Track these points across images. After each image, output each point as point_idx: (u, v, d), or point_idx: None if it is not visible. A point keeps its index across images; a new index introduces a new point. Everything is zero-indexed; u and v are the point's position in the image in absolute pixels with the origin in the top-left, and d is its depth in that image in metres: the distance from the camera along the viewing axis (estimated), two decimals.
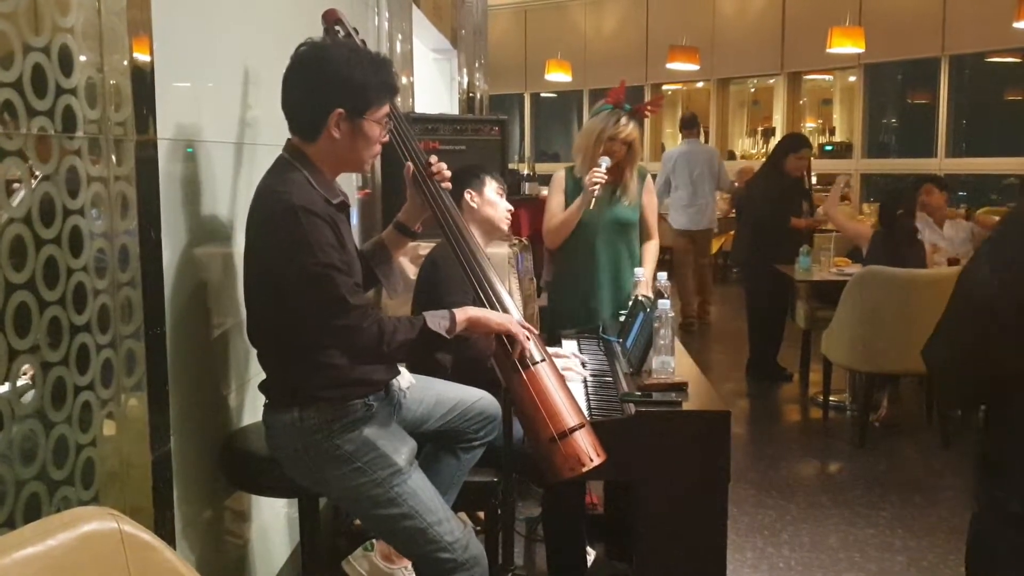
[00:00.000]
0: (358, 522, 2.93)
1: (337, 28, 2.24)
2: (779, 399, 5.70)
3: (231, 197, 2.42)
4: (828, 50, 8.48)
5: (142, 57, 1.89)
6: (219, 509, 2.40)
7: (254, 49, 2.56)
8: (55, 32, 1.65)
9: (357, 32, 2.28)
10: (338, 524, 3.14)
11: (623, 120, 3.30)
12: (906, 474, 4.21)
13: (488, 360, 2.14)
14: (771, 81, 11.06)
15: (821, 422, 5.17)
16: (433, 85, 6.89)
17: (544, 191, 4.94)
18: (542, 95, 13.24)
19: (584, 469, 1.97)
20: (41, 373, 1.61)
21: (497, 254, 3.51)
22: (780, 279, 5.47)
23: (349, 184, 3.65)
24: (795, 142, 5.84)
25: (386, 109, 2.07)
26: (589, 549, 2.99)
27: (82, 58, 1.73)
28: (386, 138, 2.12)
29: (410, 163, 2.23)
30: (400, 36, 4.62)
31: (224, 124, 2.41)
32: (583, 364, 2.70)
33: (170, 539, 1.98)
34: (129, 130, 1.86)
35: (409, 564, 2.65)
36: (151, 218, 1.94)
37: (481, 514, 2.92)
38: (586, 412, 2.21)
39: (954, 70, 8.93)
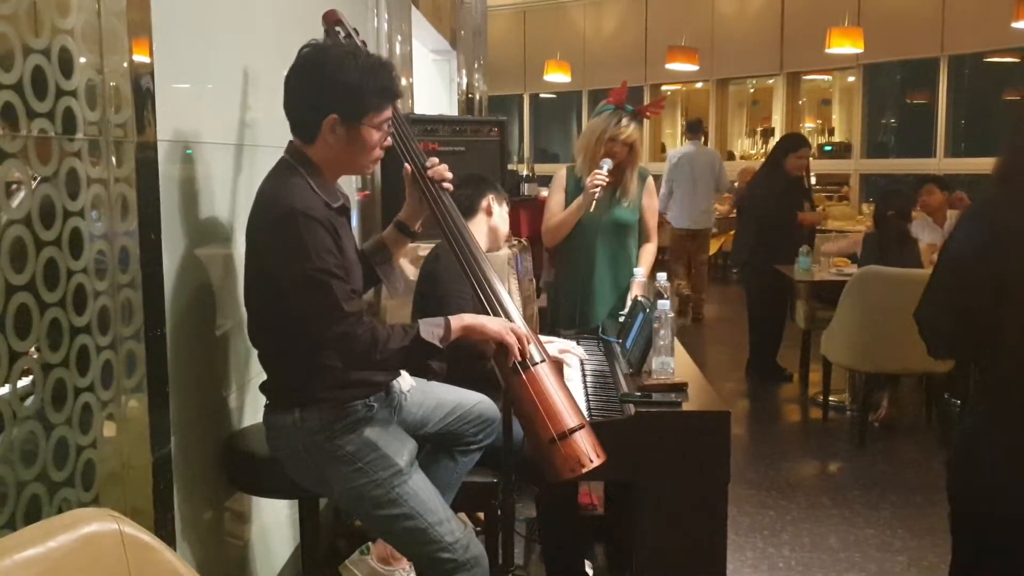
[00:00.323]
0: (358, 523, 2.93)
1: (338, 29, 2.24)
2: (779, 399, 5.70)
3: (231, 198, 2.42)
4: (827, 50, 8.50)
5: (142, 59, 1.89)
6: (219, 510, 2.40)
7: (254, 51, 2.56)
8: (55, 34, 1.65)
9: (357, 33, 2.27)
10: (338, 525, 3.14)
11: (624, 121, 3.30)
12: (906, 474, 4.22)
13: (488, 360, 2.14)
14: (770, 81, 11.08)
15: (821, 422, 5.17)
16: (432, 86, 6.89)
17: (544, 192, 4.94)
18: (541, 96, 13.26)
19: (584, 470, 1.97)
20: (41, 375, 1.61)
21: (496, 255, 3.51)
22: (780, 279, 5.47)
23: (349, 185, 3.65)
24: (795, 142, 5.86)
25: (386, 114, 2.04)
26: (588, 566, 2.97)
27: (82, 60, 1.73)
28: (388, 143, 2.11)
29: (408, 164, 2.22)
30: (399, 37, 4.63)
31: (224, 126, 2.41)
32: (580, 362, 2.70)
33: (170, 540, 1.98)
34: (129, 132, 1.86)
35: (407, 565, 2.66)
36: (151, 220, 1.94)
37: (481, 515, 2.92)
38: (586, 413, 2.21)
39: (953, 70, 8.95)
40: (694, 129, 8.04)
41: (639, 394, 2.31)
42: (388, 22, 4.39)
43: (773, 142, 8.17)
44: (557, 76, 11.66)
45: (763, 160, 6.75)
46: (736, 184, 8.04)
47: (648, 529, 2.28)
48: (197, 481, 2.20)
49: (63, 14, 1.68)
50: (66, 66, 1.68)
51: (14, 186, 1.55)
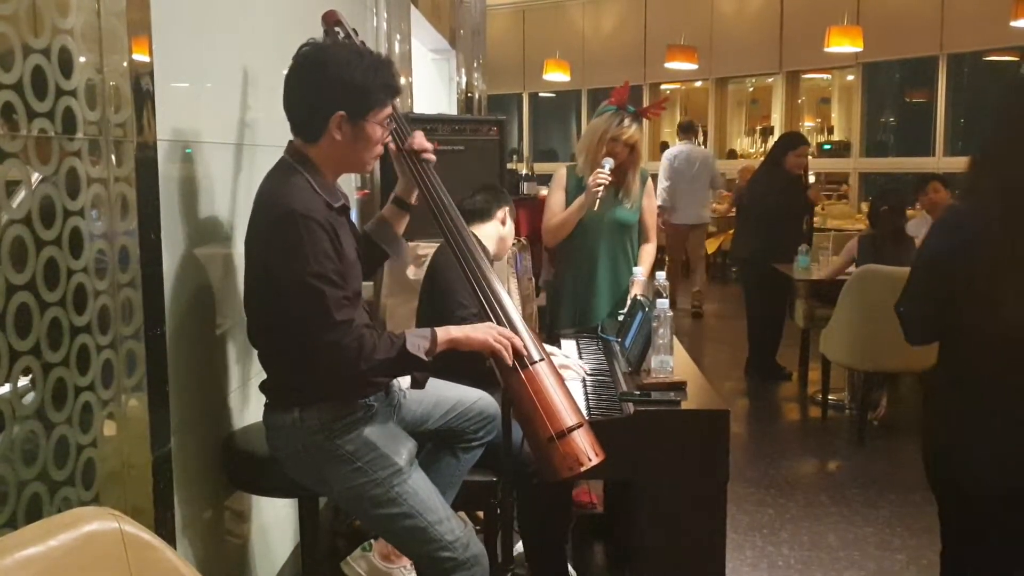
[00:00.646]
0: (358, 522, 2.94)
1: (337, 29, 2.25)
2: (778, 398, 5.71)
3: (230, 198, 2.42)
4: (826, 49, 8.51)
5: (141, 58, 1.89)
6: (219, 509, 2.40)
7: (253, 50, 2.56)
8: (55, 34, 1.65)
9: (357, 33, 2.28)
10: (338, 524, 3.14)
11: (626, 122, 3.31)
12: (905, 472, 4.21)
13: (488, 358, 2.14)
14: (769, 80, 11.08)
15: (820, 421, 5.17)
16: (431, 85, 6.89)
17: (543, 191, 4.95)
18: (540, 95, 13.25)
19: (583, 468, 1.97)
20: (42, 374, 1.62)
21: None
22: (779, 278, 5.48)
23: (348, 184, 3.66)
24: (794, 140, 5.88)
25: (388, 111, 2.07)
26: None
27: (82, 59, 1.73)
28: (388, 139, 2.13)
29: (391, 144, 2.22)
30: (398, 36, 4.63)
31: (223, 125, 2.41)
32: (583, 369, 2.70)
33: (171, 539, 1.99)
34: (129, 131, 1.86)
35: (408, 563, 2.66)
36: (151, 219, 1.94)
37: (480, 513, 2.92)
38: (585, 411, 2.22)
39: (952, 69, 8.95)
40: (687, 130, 8.47)
41: (638, 393, 2.32)
42: (387, 21, 4.39)
43: (772, 141, 8.20)
44: (556, 75, 11.65)
45: (763, 159, 6.76)
46: (736, 182, 8.09)
47: (647, 528, 2.28)
48: (197, 480, 2.21)
49: (63, 14, 1.68)
50: (66, 66, 1.68)
51: (14, 186, 1.55)
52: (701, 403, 2.31)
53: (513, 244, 3.85)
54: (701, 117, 11.74)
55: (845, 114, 11.02)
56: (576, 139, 11.26)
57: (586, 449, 1.98)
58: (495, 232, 2.91)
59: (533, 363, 2.04)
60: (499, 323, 2.09)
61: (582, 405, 2.27)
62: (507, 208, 2.97)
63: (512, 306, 2.15)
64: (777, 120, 10.69)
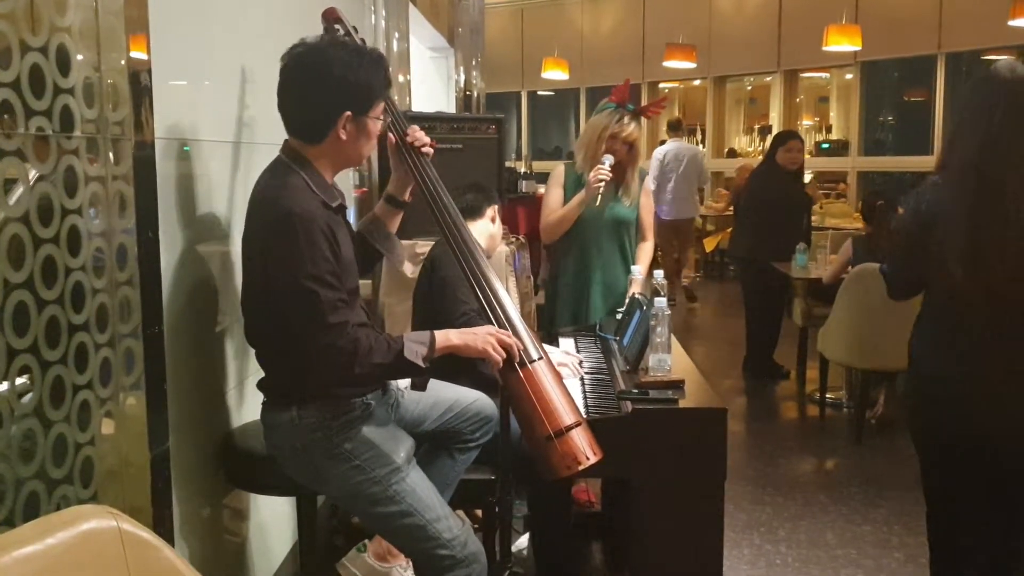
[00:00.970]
0: (356, 520, 2.94)
1: (337, 27, 2.25)
2: (776, 396, 5.71)
3: (228, 196, 2.42)
4: (824, 48, 8.50)
5: (139, 56, 1.89)
6: (218, 507, 2.40)
7: (251, 48, 2.56)
8: (53, 32, 1.65)
9: (356, 31, 2.28)
10: (336, 522, 3.14)
11: (626, 120, 3.31)
12: (903, 470, 4.22)
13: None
14: (768, 79, 11.07)
15: (818, 419, 5.18)
16: (430, 83, 6.88)
17: (541, 189, 4.94)
18: (539, 93, 13.24)
19: (580, 467, 1.97)
20: (40, 372, 1.62)
21: (495, 253, 3.53)
22: (777, 276, 5.48)
23: (347, 184, 3.66)
24: (783, 137, 5.90)
25: (383, 104, 2.09)
26: None
27: (79, 58, 1.73)
28: (383, 131, 2.14)
29: (391, 135, 2.23)
30: (397, 34, 4.63)
31: (221, 123, 2.41)
32: (580, 363, 2.70)
33: (169, 537, 1.99)
34: (126, 129, 1.86)
35: (403, 562, 2.66)
36: (149, 217, 1.94)
37: (479, 512, 2.93)
38: (583, 410, 2.22)
39: (950, 67, 8.95)
40: (675, 128, 9.06)
41: (636, 391, 2.32)
42: (386, 19, 4.39)
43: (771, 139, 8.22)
44: (555, 73, 11.64)
45: (761, 157, 6.79)
46: (734, 181, 8.15)
47: (645, 526, 2.28)
48: (195, 478, 2.21)
49: (61, 12, 1.68)
50: (64, 64, 1.68)
51: (12, 184, 1.55)
52: (699, 401, 2.31)
53: (512, 242, 3.86)
54: (699, 116, 11.74)
55: (843, 113, 11.02)
56: (575, 137, 11.27)
57: (584, 448, 1.98)
58: (486, 230, 2.91)
59: (531, 362, 2.04)
60: (497, 320, 2.09)
61: (580, 404, 2.27)
62: (496, 207, 2.99)
63: (510, 303, 2.15)
64: (775, 119, 10.68)
